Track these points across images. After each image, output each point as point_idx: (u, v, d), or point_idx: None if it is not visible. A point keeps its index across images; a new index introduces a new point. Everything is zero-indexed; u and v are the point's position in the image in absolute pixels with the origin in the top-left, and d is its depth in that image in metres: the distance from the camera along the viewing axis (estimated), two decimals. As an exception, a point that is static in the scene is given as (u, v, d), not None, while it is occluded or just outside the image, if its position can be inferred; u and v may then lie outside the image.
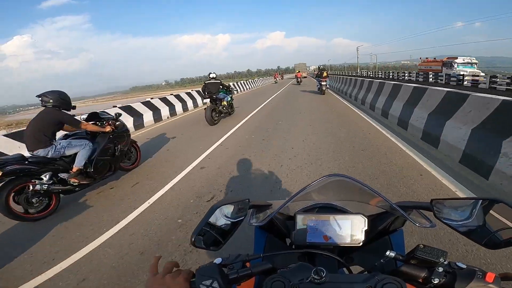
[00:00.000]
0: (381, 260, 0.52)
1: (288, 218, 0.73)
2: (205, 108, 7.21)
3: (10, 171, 2.68)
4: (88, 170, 3.21)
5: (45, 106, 3.05)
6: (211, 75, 7.74)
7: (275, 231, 0.75)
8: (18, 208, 2.78)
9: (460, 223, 0.57)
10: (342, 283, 0.46)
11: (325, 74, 12.98)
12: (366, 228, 0.63)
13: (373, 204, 0.74)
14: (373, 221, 0.67)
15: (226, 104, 7.83)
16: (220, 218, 0.63)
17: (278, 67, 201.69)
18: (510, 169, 2.45)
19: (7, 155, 3.83)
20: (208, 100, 7.43)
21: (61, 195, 3.11)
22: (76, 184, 3.09)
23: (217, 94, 7.48)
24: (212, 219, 0.61)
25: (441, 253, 0.48)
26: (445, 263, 0.47)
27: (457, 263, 0.48)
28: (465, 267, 0.47)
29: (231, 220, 0.64)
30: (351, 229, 0.63)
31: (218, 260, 0.54)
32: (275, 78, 37.49)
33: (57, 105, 3.08)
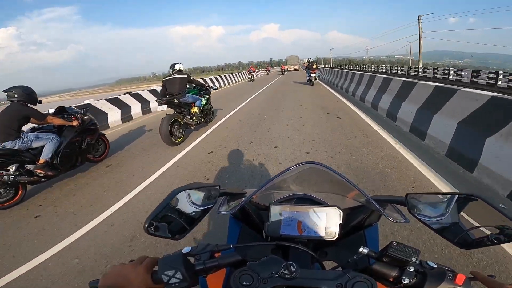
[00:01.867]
0: (354, 257, 0.52)
1: (264, 208, 0.72)
2: (162, 119, 4.73)
3: (-24, 162, 2.93)
4: (54, 162, 3.48)
5: (10, 101, 3.28)
6: (176, 66, 5.26)
7: (250, 222, 0.74)
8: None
9: (434, 219, 0.57)
10: (312, 279, 0.46)
11: (314, 66, 14.01)
12: (341, 221, 0.63)
13: (349, 197, 0.74)
14: (348, 215, 0.67)
15: (197, 111, 5.48)
16: (187, 204, 0.62)
17: (271, 59, 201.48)
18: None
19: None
20: (164, 107, 5.03)
21: (28, 185, 3.38)
22: (42, 175, 3.35)
23: (183, 97, 5.12)
24: (179, 205, 0.60)
25: (414, 251, 0.48)
26: (416, 262, 0.48)
27: (428, 262, 0.48)
28: (436, 266, 0.48)
29: (199, 207, 0.63)
30: (326, 222, 0.63)
31: (186, 249, 0.53)
32: (250, 74, 23.07)
33: (22, 99, 3.31)
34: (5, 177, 3.10)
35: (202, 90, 6.09)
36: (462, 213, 0.56)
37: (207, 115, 6.23)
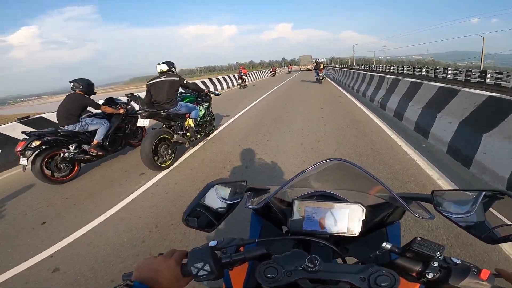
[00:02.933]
0: (377, 252, 0.53)
1: (286, 204, 0.74)
2: (145, 136, 4.13)
3: (46, 141, 3.58)
4: (104, 144, 4.12)
5: (74, 90, 3.97)
6: (162, 67, 4.14)
7: (272, 218, 0.76)
8: (48, 173, 3.67)
9: (460, 216, 0.57)
10: (335, 272, 0.47)
11: (321, 66, 16.00)
12: (363, 218, 0.64)
13: (372, 193, 0.75)
14: (371, 211, 0.68)
15: (192, 124, 4.26)
16: (216, 199, 0.65)
17: (283, 58, 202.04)
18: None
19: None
20: (146, 121, 4.08)
21: (82, 164, 4.04)
22: (94, 154, 3.99)
23: (173, 106, 4.04)
24: (207, 200, 0.63)
25: (438, 247, 0.48)
26: (440, 257, 0.48)
27: (452, 258, 0.49)
28: (460, 262, 0.48)
29: (226, 201, 0.66)
30: (348, 219, 0.63)
31: (212, 243, 0.55)
32: (240, 77, 17.04)
33: (83, 90, 4.01)
34: (66, 154, 3.75)
35: (201, 96, 4.94)
36: (489, 210, 0.56)
37: (206, 126, 5.11)
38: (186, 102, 4.47)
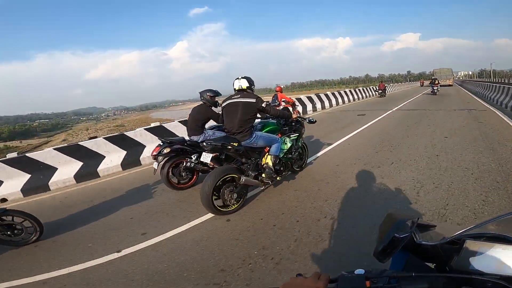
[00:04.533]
0: None
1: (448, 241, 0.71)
2: (208, 174, 3.07)
3: (175, 149, 3.86)
4: (220, 157, 4.12)
5: (203, 102, 4.21)
6: (238, 83, 3.35)
7: (420, 252, 0.73)
8: (172, 179, 3.94)
9: None
10: None
11: (436, 82, 20.72)
12: None
13: None
14: None
15: (271, 163, 3.33)
16: (392, 231, 0.65)
17: (408, 72, 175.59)
18: None
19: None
20: (208, 158, 3.50)
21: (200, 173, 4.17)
22: (212, 166, 4.03)
23: (247, 137, 3.21)
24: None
25: None
26: None
27: None
28: None
29: (398, 235, 0.64)
30: None
31: (360, 271, 0.55)
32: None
33: (207, 102, 4.18)
34: (188, 163, 3.93)
35: (289, 123, 3.90)
36: None
37: (294, 163, 4.00)
38: (267, 131, 3.55)
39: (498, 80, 42.45)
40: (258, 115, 3.57)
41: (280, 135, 3.68)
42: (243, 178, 3.09)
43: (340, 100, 16.25)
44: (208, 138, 4.02)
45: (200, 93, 4.30)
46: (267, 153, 3.39)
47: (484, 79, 47.14)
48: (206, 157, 3.50)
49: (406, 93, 23.75)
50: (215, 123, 4.48)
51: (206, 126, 4.27)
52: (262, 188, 3.56)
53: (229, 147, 3.13)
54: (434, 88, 20.01)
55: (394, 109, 11.49)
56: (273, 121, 3.80)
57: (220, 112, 3.78)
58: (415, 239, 0.68)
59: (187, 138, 4.16)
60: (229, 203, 3.07)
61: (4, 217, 2.79)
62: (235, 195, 3.09)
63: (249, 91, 3.34)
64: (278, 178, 3.52)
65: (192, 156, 3.98)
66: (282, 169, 3.60)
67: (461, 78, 76.70)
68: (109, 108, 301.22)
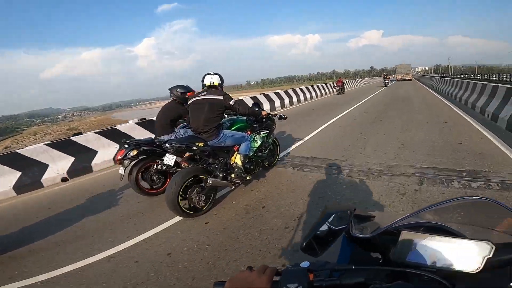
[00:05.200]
0: None
1: (389, 233, 0.70)
2: (174, 174, 2.96)
3: (142, 150, 3.47)
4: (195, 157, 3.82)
5: (173, 98, 3.85)
6: (210, 79, 3.24)
7: (364, 242, 0.72)
8: (143, 184, 3.55)
9: None
10: None
11: (388, 76, 27.20)
12: (490, 256, 0.55)
13: (500, 229, 0.65)
14: (500, 250, 0.59)
15: (240, 162, 3.18)
16: (324, 224, 0.64)
17: (371, 67, 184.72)
18: None
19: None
20: (171, 160, 3.21)
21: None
22: (186, 167, 3.72)
23: (214, 137, 3.06)
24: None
25: None
26: None
27: None
28: None
29: (333, 227, 0.64)
30: (469, 256, 0.55)
31: (305, 264, 0.55)
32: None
33: (178, 99, 3.84)
34: (160, 166, 3.56)
35: (260, 120, 3.71)
36: None
37: (264, 160, 3.85)
38: (236, 129, 3.41)
39: (454, 75, 46.35)
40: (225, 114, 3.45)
41: (249, 133, 3.51)
42: (210, 180, 2.92)
43: (295, 99, 14.33)
44: (179, 137, 3.70)
45: (170, 89, 3.94)
46: (236, 152, 3.25)
47: (440, 74, 51.06)
48: (170, 159, 3.22)
49: (365, 90, 22.09)
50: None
51: (180, 124, 3.93)
52: (232, 188, 3.43)
53: (194, 148, 2.95)
54: (386, 81, 26.17)
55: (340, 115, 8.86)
56: (242, 118, 3.61)
57: None
58: (350, 232, 0.66)
59: (165, 138, 3.76)
60: (197, 205, 2.92)
61: None
62: (203, 197, 2.94)
63: (219, 88, 3.25)
64: (248, 178, 3.38)
65: (164, 158, 3.63)
66: (252, 167, 3.48)
67: (419, 73, 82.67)
68: (68, 109, 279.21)
